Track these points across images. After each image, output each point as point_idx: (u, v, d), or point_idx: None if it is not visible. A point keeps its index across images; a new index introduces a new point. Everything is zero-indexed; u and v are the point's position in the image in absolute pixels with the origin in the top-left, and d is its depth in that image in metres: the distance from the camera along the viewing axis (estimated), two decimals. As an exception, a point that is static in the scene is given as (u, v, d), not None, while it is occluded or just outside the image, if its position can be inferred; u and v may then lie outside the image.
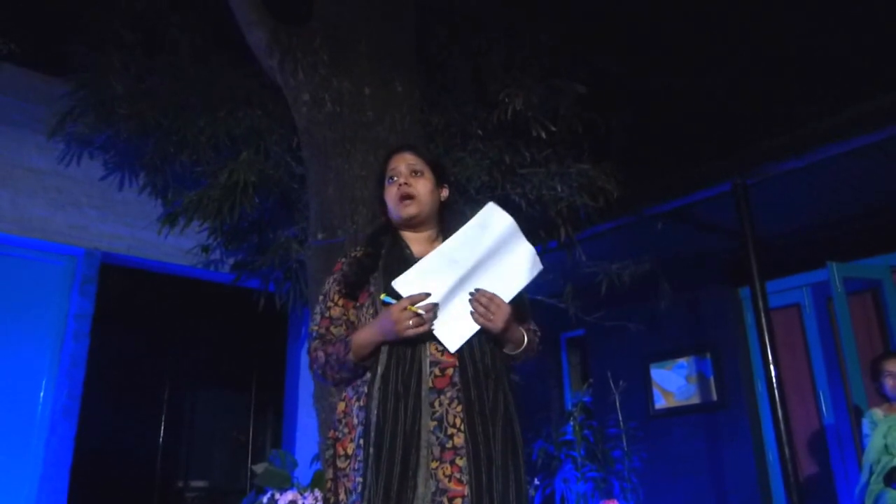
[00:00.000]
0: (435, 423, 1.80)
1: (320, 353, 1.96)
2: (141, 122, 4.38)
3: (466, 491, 1.74)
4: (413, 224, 2.08)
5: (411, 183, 2.06)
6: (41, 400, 4.26)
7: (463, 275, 1.89)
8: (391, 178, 2.10)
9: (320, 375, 2.00)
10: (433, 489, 1.74)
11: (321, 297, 2.07)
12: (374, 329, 1.88)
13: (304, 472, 3.45)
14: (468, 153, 4.33)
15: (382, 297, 1.89)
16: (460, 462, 1.77)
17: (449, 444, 1.78)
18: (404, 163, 2.10)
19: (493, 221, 1.96)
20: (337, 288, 2.04)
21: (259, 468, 3.44)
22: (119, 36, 4.49)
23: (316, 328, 2.03)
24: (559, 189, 4.41)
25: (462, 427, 1.80)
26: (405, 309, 1.82)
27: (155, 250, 4.71)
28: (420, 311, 1.82)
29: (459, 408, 1.81)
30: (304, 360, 5.03)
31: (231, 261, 4.90)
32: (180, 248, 4.76)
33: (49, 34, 4.60)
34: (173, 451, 6.55)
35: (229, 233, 4.71)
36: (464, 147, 4.38)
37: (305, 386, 4.97)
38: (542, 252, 4.51)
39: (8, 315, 4.27)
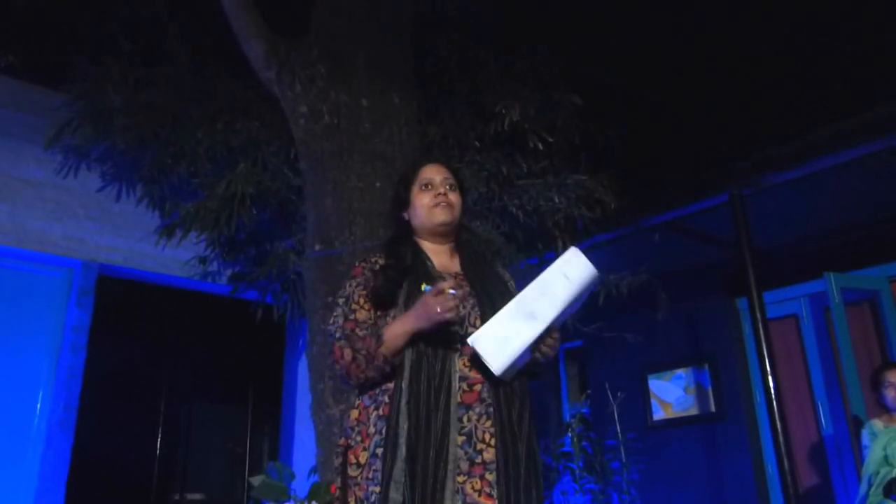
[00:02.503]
0: (463, 438, 1.82)
1: (347, 351, 1.93)
2: (139, 133, 4.37)
3: None
4: (441, 232, 2.13)
5: (448, 194, 2.12)
6: (38, 412, 4.24)
7: (537, 316, 1.88)
8: (425, 185, 2.13)
9: (343, 375, 1.98)
10: (459, 503, 1.76)
11: (342, 300, 2.05)
12: (410, 317, 1.88)
13: (301, 485, 3.42)
14: (465, 164, 4.33)
15: (423, 286, 1.91)
16: (490, 477, 1.79)
17: (478, 460, 1.81)
18: (440, 175, 2.15)
19: (573, 269, 1.98)
20: (363, 292, 2.03)
21: (256, 480, 3.42)
22: (117, 46, 4.48)
23: (340, 330, 1.99)
24: (556, 200, 4.42)
25: (492, 442, 1.82)
26: (441, 292, 1.83)
27: (152, 262, 4.70)
28: (454, 291, 1.84)
29: (489, 423, 1.84)
30: (302, 371, 5.01)
31: (228, 272, 4.89)
32: (178, 259, 4.74)
33: (47, 46, 4.60)
34: (170, 462, 6.51)
35: (227, 244, 4.71)
36: (461, 158, 4.38)
37: (303, 397, 4.95)
38: (538, 263, 4.53)
39: (5, 327, 4.25)
